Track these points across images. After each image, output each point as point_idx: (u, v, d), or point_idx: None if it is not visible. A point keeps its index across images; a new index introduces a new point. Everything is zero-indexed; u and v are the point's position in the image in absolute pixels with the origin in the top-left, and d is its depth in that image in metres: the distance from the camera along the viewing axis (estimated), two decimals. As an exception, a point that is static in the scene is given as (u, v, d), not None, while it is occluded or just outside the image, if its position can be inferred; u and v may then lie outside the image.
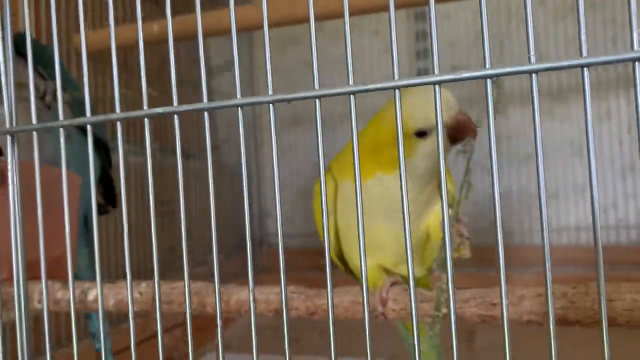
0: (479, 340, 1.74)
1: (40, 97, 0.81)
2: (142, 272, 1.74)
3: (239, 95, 0.45)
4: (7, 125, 0.58)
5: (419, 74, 2.23)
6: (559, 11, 2.09)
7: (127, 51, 1.58)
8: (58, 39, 0.70)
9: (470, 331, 1.77)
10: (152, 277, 1.86)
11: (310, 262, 2.34)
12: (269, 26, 0.46)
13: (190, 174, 2.05)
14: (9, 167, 0.58)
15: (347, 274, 0.90)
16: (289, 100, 0.44)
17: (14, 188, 0.58)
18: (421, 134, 0.69)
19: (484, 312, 0.72)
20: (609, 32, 2.01)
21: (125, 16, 1.63)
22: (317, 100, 0.43)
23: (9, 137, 0.58)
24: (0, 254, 0.59)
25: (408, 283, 0.76)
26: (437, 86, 0.39)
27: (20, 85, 0.60)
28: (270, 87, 0.44)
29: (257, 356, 0.47)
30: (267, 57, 0.45)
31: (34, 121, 0.55)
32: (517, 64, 0.38)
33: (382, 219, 0.74)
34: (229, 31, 0.47)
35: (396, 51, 0.40)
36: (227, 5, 0.48)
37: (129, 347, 0.64)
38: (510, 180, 2.12)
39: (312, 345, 1.56)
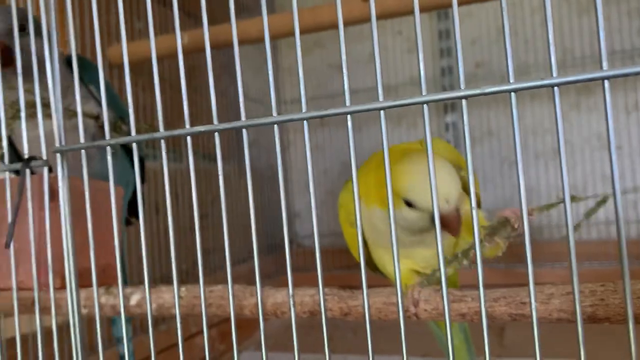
0: (509, 334, 1.75)
1: (101, 125, 0.85)
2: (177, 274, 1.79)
3: (274, 114, 0.48)
4: (57, 144, 0.61)
5: (443, 73, 2.24)
6: (583, 5, 2.07)
7: (159, 61, 1.62)
8: (91, 51, 0.74)
9: (500, 327, 1.78)
10: (187, 280, 1.92)
11: (339, 261, 2.37)
12: (293, 34, 0.49)
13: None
14: (59, 183, 0.62)
15: (375, 272, 0.92)
16: (321, 117, 0.47)
17: (64, 203, 0.62)
18: (409, 204, 0.70)
19: (515, 311, 0.73)
20: (635, 23, 1.99)
21: (155, 27, 1.68)
22: (348, 116, 0.46)
23: (58, 155, 0.61)
24: (54, 264, 0.62)
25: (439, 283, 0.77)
26: (425, 105, 0.41)
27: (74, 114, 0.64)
28: (304, 106, 0.47)
29: (298, 356, 0.50)
30: (299, 76, 0.47)
31: (82, 140, 0.59)
32: (539, 78, 0.40)
33: (403, 241, 0.75)
34: (255, 40, 0.49)
35: (423, 67, 0.42)
36: (251, 15, 0.51)
37: (162, 351, 0.67)
38: (538, 176, 2.11)
39: (345, 343, 1.58)
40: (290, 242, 2.81)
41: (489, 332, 0.52)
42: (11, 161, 0.66)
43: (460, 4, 1.43)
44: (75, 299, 0.63)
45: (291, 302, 0.46)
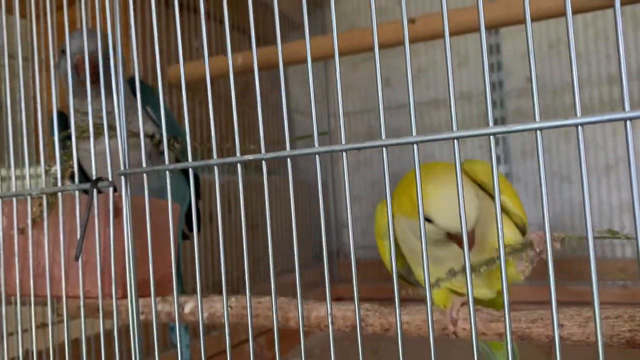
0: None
1: (156, 144, 0.92)
2: (228, 283, 1.86)
3: (316, 145, 0.52)
4: (122, 167, 0.67)
5: (493, 88, 2.23)
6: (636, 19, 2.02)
7: (214, 79, 1.70)
8: (153, 71, 0.80)
9: (549, 345, 1.75)
10: (238, 289, 1.99)
11: (387, 272, 2.38)
12: (343, 54, 0.53)
13: (272, 188, 2.15)
14: (123, 202, 0.68)
15: (411, 286, 0.94)
16: (358, 149, 0.51)
17: (127, 220, 0.68)
18: (428, 220, 0.72)
19: (552, 333, 0.74)
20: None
21: (211, 46, 1.76)
22: (384, 149, 0.49)
23: (123, 178, 0.67)
24: (117, 275, 0.68)
25: (478, 304, 0.79)
26: (455, 141, 0.44)
27: (133, 134, 0.70)
28: (343, 138, 0.51)
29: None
30: (340, 112, 0.51)
31: (144, 165, 0.65)
32: (564, 118, 0.42)
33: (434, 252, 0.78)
34: (305, 60, 0.53)
35: (454, 104, 0.45)
36: (302, 33, 0.54)
37: (213, 356, 0.71)
38: (589, 191, 2.07)
39: (390, 355, 1.60)
40: (337, 252, 2.86)
41: (537, 352, 0.54)
42: (80, 181, 0.72)
43: (497, 25, 1.43)
44: (135, 307, 0.69)
45: (330, 320, 0.50)
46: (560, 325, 0.74)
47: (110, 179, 0.68)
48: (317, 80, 2.55)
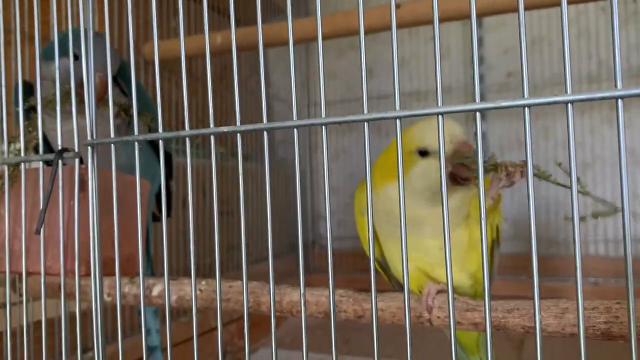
0: (529, 348, 1.73)
1: (124, 111, 0.88)
2: (200, 269, 1.83)
3: (295, 118, 0.49)
4: (89, 137, 0.64)
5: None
6: (622, 17, 2.03)
7: (192, 59, 1.66)
8: (127, 48, 0.77)
9: (520, 340, 1.76)
10: (210, 274, 1.96)
11: (361, 264, 2.38)
12: (326, 37, 0.51)
13: (248, 175, 2.12)
14: (89, 174, 0.65)
15: (389, 282, 0.93)
16: (340, 123, 0.48)
17: (93, 193, 0.65)
18: (423, 152, 0.71)
19: (528, 324, 0.73)
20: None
21: (189, 26, 1.72)
22: (366, 123, 0.47)
23: (89, 148, 0.64)
24: (81, 251, 0.65)
25: (453, 291, 0.77)
26: (440, 117, 0.43)
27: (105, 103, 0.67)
28: (323, 111, 0.48)
29: (307, 355, 0.51)
30: (320, 81, 0.49)
31: (112, 135, 0.62)
32: (552, 94, 0.41)
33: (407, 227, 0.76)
34: (286, 43, 0.50)
35: (440, 81, 0.43)
36: (286, 16, 0.52)
37: (183, 342, 0.69)
38: (566, 189, 2.08)
39: (361, 345, 1.59)
40: (313, 243, 2.84)
41: (508, 346, 0.52)
42: (44, 152, 0.69)
43: (486, 14, 1.42)
44: (98, 286, 0.66)
45: (302, 301, 0.48)
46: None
47: (76, 150, 0.65)
48: (298, 67, 2.52)
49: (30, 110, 0.87)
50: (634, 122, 1.97)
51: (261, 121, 0.52)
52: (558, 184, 0.69)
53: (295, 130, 0.50)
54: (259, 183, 2.14)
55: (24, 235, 0.67)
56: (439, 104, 0.44)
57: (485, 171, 0.71)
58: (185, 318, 1.68)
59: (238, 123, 0.52)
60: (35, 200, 0.68)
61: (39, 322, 0.73)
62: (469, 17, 1.30)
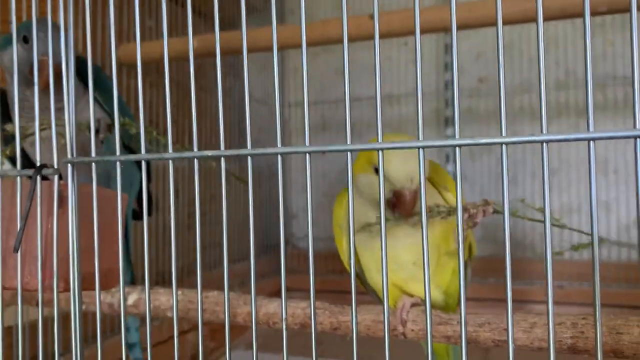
0: (493, 354, 1.77)
1: (95, 132, 0.88)
2: (168, 272, 1.81)
3: (279, 145, 0.50)
4: (69, 155, 0.64)
5: (446, 86, 2.26)
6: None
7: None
8: (101, 50, 0.76)
9: (485, 349, 1.80)
10: (185, 276, 1.92)
11: (334, 265, 2.39)
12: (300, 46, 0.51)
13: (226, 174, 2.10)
14: (69, 192, 0.64)
15: (366, 292, 0.94)
16: (323, 152, 0.49)
17: (73, 210, 0.64)
18: (377, 170, 0.74)
19: (498, 337, 0.76)
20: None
21: (159, 27, 1.69)
22: (349, 153, 0.48)
23: (69, 166, 0.64)
24: (59, 268, 0.65)
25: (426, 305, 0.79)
26: (420, 150, 0.44)
27: (81, 124, 0.66)
28: (307, 139, 0.49)
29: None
30: (305, 109, 0.50)
31: (93, 154, 0.61)
32: (530, 134, 0.43)
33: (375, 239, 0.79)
34: (263, 49, 0.51)
35: (422, 114, 0.45)
36: (261, 16, 0.53)
37: (154, 345, 0.69)
38: (533, 194, 2.14)
39: (334, 348, 1.61)
40: (286, 243, 2.81)
41: (476, 353, 0.54)
42: (23, 167, 0.68)
43: (461, 27, 1.45)
44: (77, 301, 0.66)
45: (283, 315, 0.49)
46: (505, 330, 0.76)
47: (55, 166, 0.64)
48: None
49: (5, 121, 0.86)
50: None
51: (235, 122, 0.52)
52: (531, 219, 0.71)
53: (279, 156, 0.51)
54: (232, 184, 2.12)
55: (-1, 251, 0.66)
56: (420, 138, 0.45)
57: (448, 214, 0.73)
58: (157, 322, 1.67)
59: (222, 147, 0.53)
60: (12, 215, 0.67)
61: (9, 328, 0.74)
62: (443, 30, 1.32)
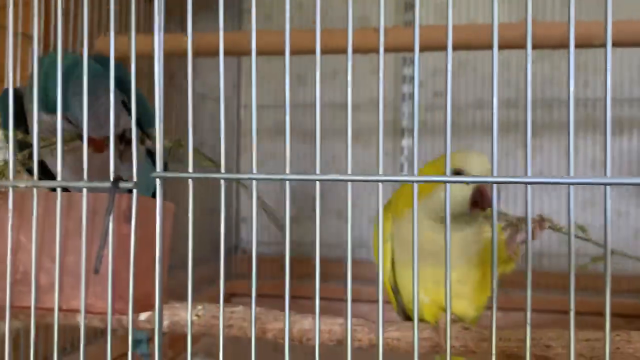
0: None
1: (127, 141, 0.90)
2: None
3: (223, 170, 0.60)
4: (157, 169, 0.63)
5: (403, 99, 2.48)
6: (536, 53, 2.35)
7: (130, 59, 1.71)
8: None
9: None
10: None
11: (283, 270, 2.49)
12: (258, 54, 0.56)
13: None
14: (158, 208, 0.62)
15: (398, 314, 0.97)
16: (273, 180, 0.61)
17: (159, 227, 0.61)
18: (458, 173, 0.78)
19: (539, 353, 0.76)
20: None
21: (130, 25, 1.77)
22: (317, 182, 0.57)
23: (158, 180, 0.62)
24: (122, 289, 0.60)
25: (460, 321, 0.83)
26: (414, 185, 0.54)
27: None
28: (254, 167, 0.59)
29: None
30: (253, 136, 0.66)
31: (190, 170, 0.63)
32: (514, 175, 0.58)
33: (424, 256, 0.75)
34: (217, 53, 0.57)
35: (382, 150, 0.55)
36: (215, 13, 0.55)
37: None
38: (515, 198, 2.36)
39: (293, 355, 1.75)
40: (235, 248, 2.90)
41: None
42: (40, 174, 0.66)
43: (421, 50, 1.62)
44: (157, 321, 0.60)
45: (286, 326, 0.61)
46: (547, 347, 0.76)
47: (134, 180, 0.62)
48: (229, 72, 2.60)
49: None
50: (544, 148, 2.30)
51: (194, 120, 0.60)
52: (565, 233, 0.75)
53: (222, 181, 0.61)
54: (180, 188, 2.18)
55: (57, 268, 0.61)
56: (380, 172, 0.55)
57: (505, 227, 0.79)
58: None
59: (191, 169, 0.61)
60: (68, 229, 0.68)
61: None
62: (395, 50, 1.46)
